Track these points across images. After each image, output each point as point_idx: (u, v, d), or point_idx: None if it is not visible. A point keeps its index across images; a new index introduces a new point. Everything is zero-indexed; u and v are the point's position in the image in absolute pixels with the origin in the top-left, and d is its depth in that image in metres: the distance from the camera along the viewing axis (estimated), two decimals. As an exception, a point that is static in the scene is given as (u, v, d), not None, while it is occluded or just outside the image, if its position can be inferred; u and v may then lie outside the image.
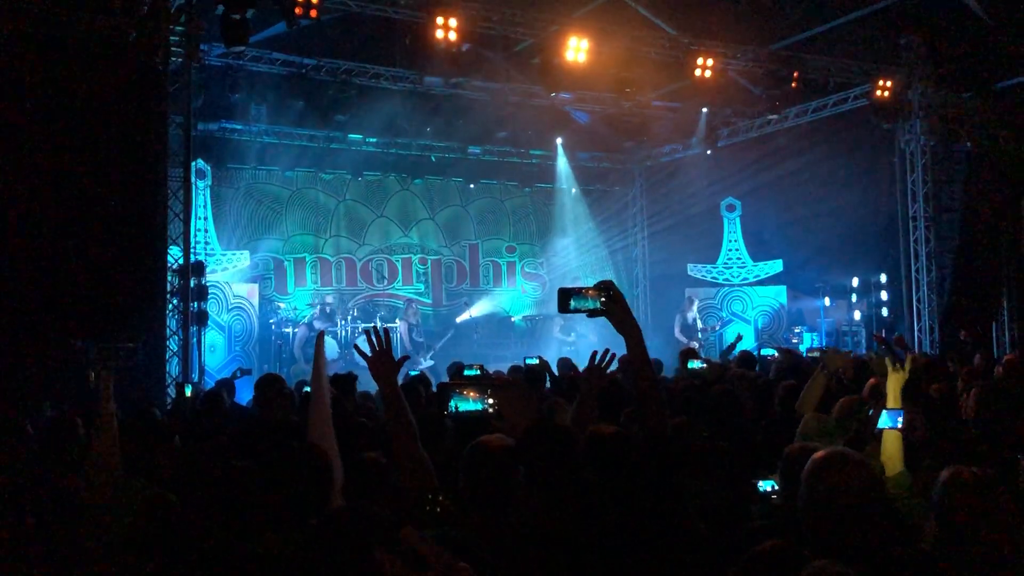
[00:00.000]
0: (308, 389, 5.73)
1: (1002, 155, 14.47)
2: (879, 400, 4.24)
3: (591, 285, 3.24)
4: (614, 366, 3.92)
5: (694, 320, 16.93)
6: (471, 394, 3.05)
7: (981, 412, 4.62)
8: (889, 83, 14.04)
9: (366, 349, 3.36)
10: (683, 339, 16.23)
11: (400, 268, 17.56)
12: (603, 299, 3.19)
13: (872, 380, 5.16)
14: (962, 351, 11.71)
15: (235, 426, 6.23)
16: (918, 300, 14.53)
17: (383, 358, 3.36)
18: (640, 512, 2.81)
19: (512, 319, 18.31)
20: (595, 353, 3.85)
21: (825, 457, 2.58)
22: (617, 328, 3.22)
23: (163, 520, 3.16)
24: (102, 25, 10.10)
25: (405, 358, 3.54)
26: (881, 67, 14.17)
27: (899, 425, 3.96)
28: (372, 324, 14.66)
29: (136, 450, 4.49)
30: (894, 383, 4.14)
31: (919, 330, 14.43)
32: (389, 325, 15.83)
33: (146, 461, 4.44)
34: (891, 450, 3.95)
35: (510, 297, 18.73)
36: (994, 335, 14.77)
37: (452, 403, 3.04)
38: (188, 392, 8.62)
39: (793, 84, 13.69)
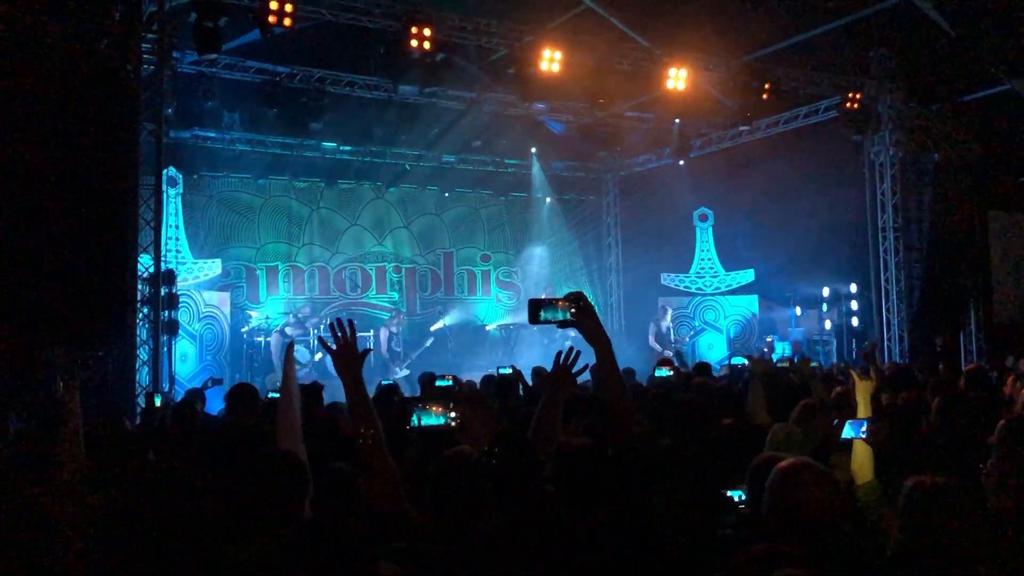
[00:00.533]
0: (273, 395, 5.67)
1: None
2: (844, 410, 4.30)
3: (561, 296, 3.26)
4: (579, 365, 3.74)
5: (668, 329, 17.03)
6: (434, 408, 3.06)
7: (944, 421, 4.68)
8: (859, 95, 14.25)
9: (331, 343, 3.29)
10: (657, 347, 16.32)
11: (374, 277, 17.51)
12: (573, 310, 3.21)
13: (839, 388, 5.25)
14: (930, 360, 11.87)
15: (206, 436, 6.17)
16: (887, 309, 14.71)
17: (348, 350, 3.28)
18: (608, 523, 2.83)
19: (487, 328, 18.32)
20: (559, 353, 3.69)
21: (787, 467, 2.62)
22: (587, 339, 3.24)
23: (128, 532, 3.13)
24: (72, 32, 10.00)
25: (368, 351, 3.46)
26: (851, 79, 14.38)
27: (862, 435, 4.01)
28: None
29: (107, 461, 4.44)
30: (863, 392, 4.20)
31: (888, 339, 14.61)
32: (363, 334, 15.78)
33: (117, 472, 4.39)
34: (862, 459, 4.01)
35: (485, 306, 18.74)
36: (961, 344, 14.99)
37: (415, 417, 3.05)
38: (158, 402, 8.51)
39: (764, 96, 13.83)
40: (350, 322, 3.35)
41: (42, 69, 9.86)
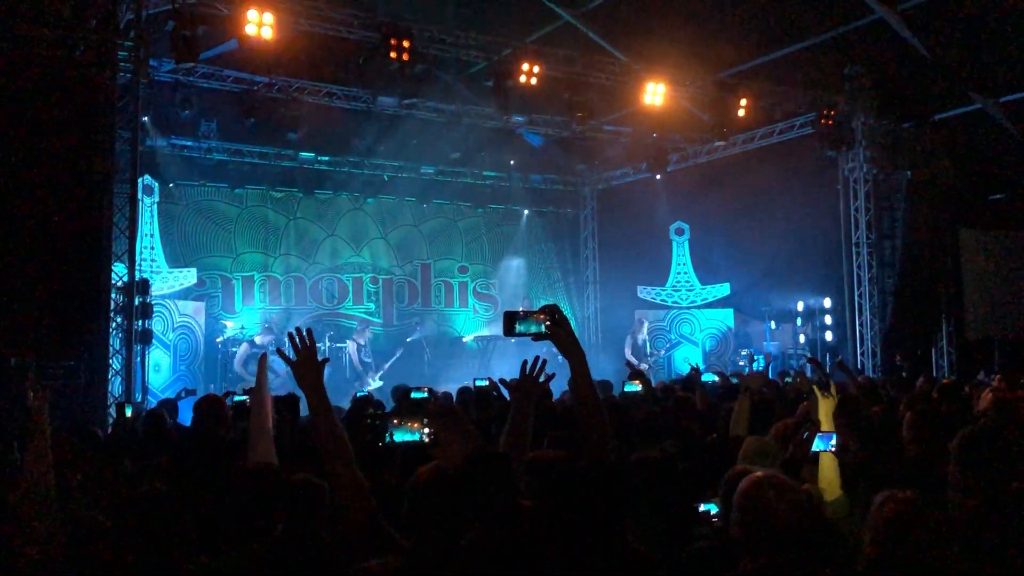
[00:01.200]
0: (238, 399, 5.61)
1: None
2: (813, 423, 4.34)
3: (536, 308, 3.26)
4: (570, 378, 3.69)
5: (644, 342, 17.07)
6: (407, 424, 3.03)
7: (916, 437, 4.72)
8: (833, 112, 14.41)
9: (290, 354, 3.19)
10: (633, 360, 16.34)
11: (351, 288, 17.44)
12: (548, 323, 3.21)
13: (805, 404, 5.31)
14: (901, 375, 11.97)
15: (175, 447, 6.10)
16: (861, 324, 14.85)
17: (308, 361, 3.18)
18: (582, 536, 2.82)
19: (464, 339, 18.30)
20: (525, 363, 3.62)
21: (755, 480, 2.62)
22: (561, 351, 3.24)
23: (94, 542, 3.09)
24: (48, 38, 9.92)
25: (326, 360, 3.36)
26: (826, 96, 14.55)
27: (831, 448, 4.04)
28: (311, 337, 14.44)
29: (82, 471, 4.39)
30: (824, 408, 4.24)
31: (862, 354, 14.74)
32: (339, 345, 15.71)
33: (91, 482, 4.34)
34: (829, 475, 4.04)
35: (462, 317, 18.72)
36: (933, 360, 15.14)
37: (388, 433, 3.02)
38: (128, 412, 8.42)
39: (741, 111, 13.97)
40: (308, 331, 3.26)
41: (17, 75, 9.77)
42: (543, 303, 3.32)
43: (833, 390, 4.37)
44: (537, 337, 3.23)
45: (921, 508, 3.00)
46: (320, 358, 3.24)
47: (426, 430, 2.98)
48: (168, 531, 2.93)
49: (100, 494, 4.05)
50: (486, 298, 19.08)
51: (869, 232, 14.88)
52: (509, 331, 3.22)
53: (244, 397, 6.29)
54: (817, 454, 4.06)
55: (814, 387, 4.47)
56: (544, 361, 3.64)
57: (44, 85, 9.84)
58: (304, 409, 6.41)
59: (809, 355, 14.13)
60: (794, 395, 7.65)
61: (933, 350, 15.20)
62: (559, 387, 8.37)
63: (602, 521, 2.92)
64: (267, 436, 3.81)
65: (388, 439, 2.98)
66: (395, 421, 3.02)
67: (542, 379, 3.65)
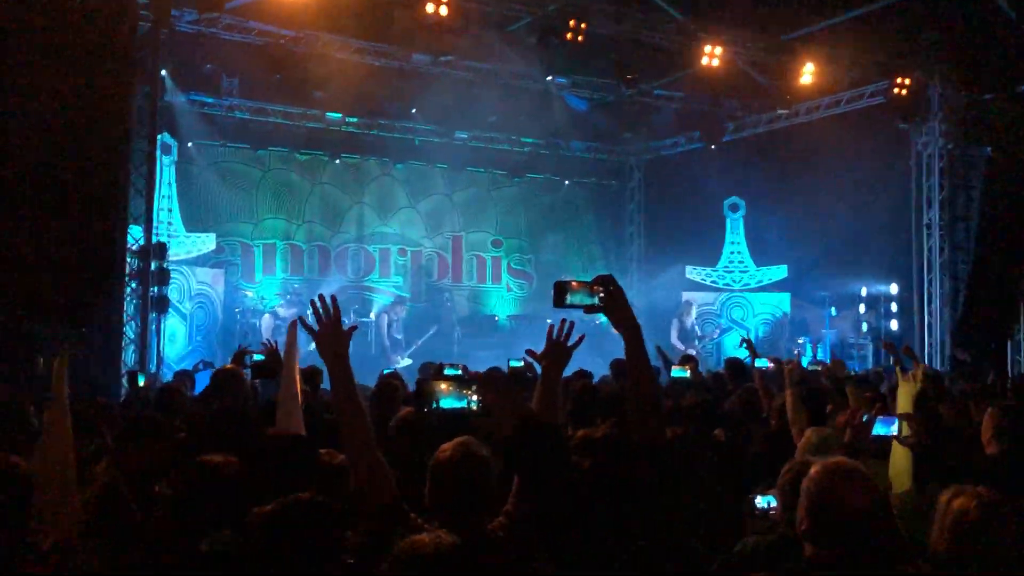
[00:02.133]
0: (258, 357, 5.69)
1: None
2: (872, 408, 4.32)
3: (589, 279, 3.24)
4: (574, 338, 3.60)
5: (693, 326, 16.98)
6: (454, 390, 3.06)
7: (999, 435, 4.64)
8: (907, 81, 14.16)
9: (312, 323, 3.18)
10: (680, 346, 16.27)
11: (377, 259, 17.52)
12: (602, 294, 3.20)
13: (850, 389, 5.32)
14: (966, 370, 11.83)
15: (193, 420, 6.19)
16: (930, 313, 14.65)
17: (332, 331, 3.17)
18: (633, 521, 2.84)
19: (496, 318, 18.30)
20: (552, 327, 3.54)
21: (827, 467, 2.62)
22: (615, 327, 3.21)
23: (114, 506, 3.18)
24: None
25: (354, 328, 3.34)
26: (900, 63, 14.29)
27: (893, 433, 4.02)
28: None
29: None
30: (905, 392, 4.20)
31: (929, 345, 14.55)
32: (364, 319, 15.81)
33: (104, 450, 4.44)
34: (900, 466, 4.02)
35: (495, 295, 18.74)
36: (1008, 353, 14.92)
37: (435, 400, 3.04)
38: (141, 382, 8.58)
39: (806, 78, 13.78)
40: (332, 298, 3.23)
41: (28, 24, 9.88)
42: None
43: (919, 374, 4.33)
44: (589, 310, 3.20)
45: (997, 507, 2.99)
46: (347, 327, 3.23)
47: (475, 397, 3.00)
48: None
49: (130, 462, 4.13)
50: (521, 275, 19.06)
51: (942, 212, 14.65)
52: (559, 302, 3.21)
53: (263, 356, 6.39)
54: (880, 442, 4.05)
55: (897, 370, 4.44)
56: (572, 324, 3.57)
57: (59, 34, 9.95)
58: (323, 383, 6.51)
59: (885, 340, 13.91)
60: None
61: (1008, 343, 14.97)
62: (600, 370, 8.43)
63: (653, 507, 2.95)
64: (295, 406, 3.88)
65: (435, 406, 3.01)
66: (443, 387, 3.04)
67: (570, 344, 3.59)
